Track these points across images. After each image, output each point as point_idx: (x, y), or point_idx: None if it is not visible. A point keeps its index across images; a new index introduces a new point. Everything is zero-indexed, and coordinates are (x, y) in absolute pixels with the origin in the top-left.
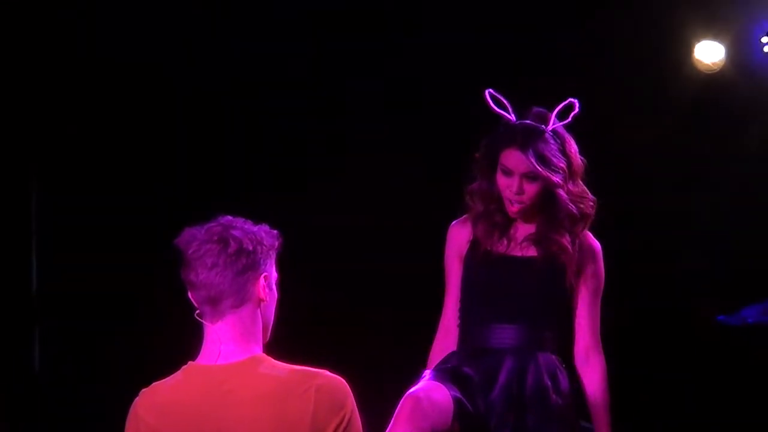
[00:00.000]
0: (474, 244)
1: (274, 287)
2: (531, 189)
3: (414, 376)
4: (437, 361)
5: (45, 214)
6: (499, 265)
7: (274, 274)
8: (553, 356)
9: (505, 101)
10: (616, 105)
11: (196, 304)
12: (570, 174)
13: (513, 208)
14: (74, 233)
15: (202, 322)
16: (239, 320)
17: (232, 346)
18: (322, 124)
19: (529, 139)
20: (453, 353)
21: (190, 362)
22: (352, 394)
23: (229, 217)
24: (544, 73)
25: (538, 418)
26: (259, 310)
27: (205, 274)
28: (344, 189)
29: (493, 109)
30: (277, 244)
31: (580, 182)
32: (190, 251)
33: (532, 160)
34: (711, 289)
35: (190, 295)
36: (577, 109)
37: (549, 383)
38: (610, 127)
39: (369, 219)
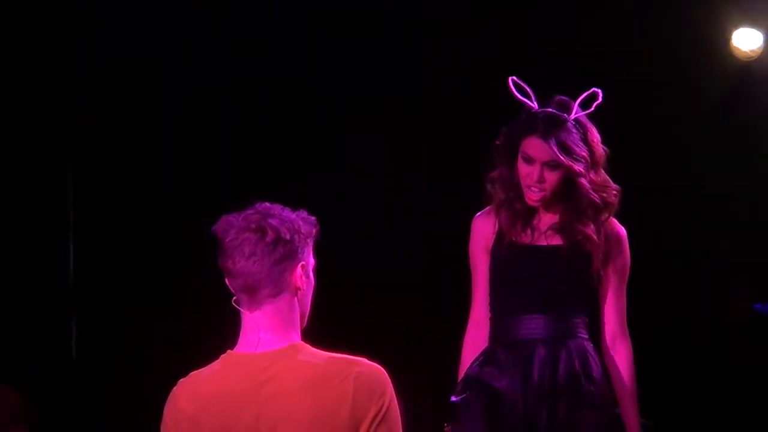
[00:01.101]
0: (499, 236)
1: (311, 275)
2: (552, 177)
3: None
4: (470, 356)
5: (81, 206)
6: (526, 256)
7: (312, 261)
8: (585, 342)
9: (528, 89)
10: (654, 93)
11: (233, 291)
12: (592, 163)
13: (533, 196)
14: (111, 224)
15: (239, 311)
16: (277, 309)
17: (271, 335)
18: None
19: (551, 127)
20: (486, 351)
21: (228, 351)
22: (391, 383)
23: (267, 204)
24: (579, 61)
25: (570, 406)
26: (296, 298)
27: (242, 262)
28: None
29: (516, 96)
30: (314, 231)
31: (602, 171)
32: (227, 239)
33: (554, 149)
34: (748, 277)
35: (227, 281)
36: (600, 99)
37: (580, 371)
38: (648, 114)
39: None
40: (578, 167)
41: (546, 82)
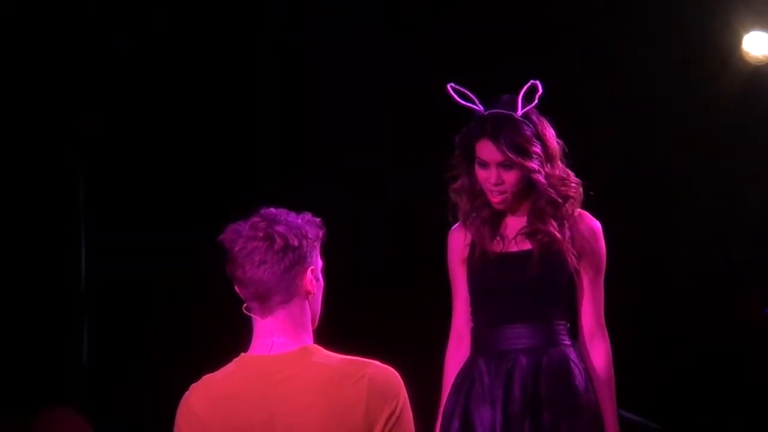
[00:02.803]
0: (472, 247)
1: (320, 277)
2: (509, 178)
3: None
4: (453, 370)
5: (93, 206)
6: (498, 265)
7: (320, 263)
8: (568, 350)
9: (469, 93)
10: (664, 97)
11: (244, 299)
12: (546, 158)
13: (495, 199)
14: (123, 224)
15: (250, 317)
16: (289, 315)
17: (284, 339)
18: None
19: (499, 127)
20: (468, 362)
21: (242, 353)
22: (403, 386)
23: (272, 210)
24: (589, 64)
25: (552, 416)
26: (307, 302)
27: (253, 271)
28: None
29: (459, 102)
30: (321, 233)
31: (560, 165)
32: (236, 248)
33: (504, 148)
34: (759, 281)
35: (237, 289)
36: (540, 90)
37: (562, 380)
38: (658, 118)
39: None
40: (532, 164)
41: (556, 85)
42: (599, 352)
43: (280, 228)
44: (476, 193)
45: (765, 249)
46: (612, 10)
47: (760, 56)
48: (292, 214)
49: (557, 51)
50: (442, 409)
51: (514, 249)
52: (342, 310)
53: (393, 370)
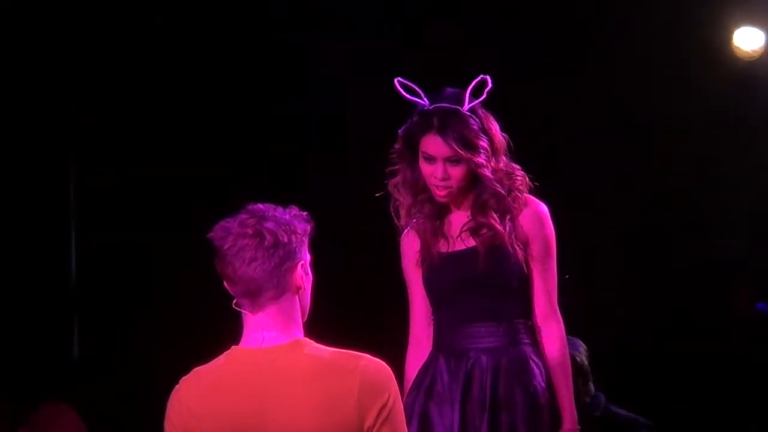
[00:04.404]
0: (422, 249)
1: (309, 271)
2: (456, 173)
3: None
4: (413, 375)
5: (83, 201)
6: (447, 264)
7: (308, 257)
8: (527, 348)
9: (416, 87)
10: (655, 92)
11: (234, 296)
12: (493, 152)
13: (440, 193)
14: (113, 220)
15: (241, 312)
16: (279, 310)
17: (275, 333)
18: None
19: (446, 122)
20: (428, 360)
21: (233, 346)
22: (394, 379)
23: (260, 206)
24: (578, 61)
25: (510, 418)
26: (297, 296)
27: (243, 268)
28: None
29: (405, 96)
30: (308, 228)
31: (504, 158)
32: (226, 246)
33: (453, 144)
34: (750, 276)
35: (227, 286)
36: (490, 85)
37: (521, 381)
38: (648, 114)
39: None
40: (479, 159)
41: (550, 82)
42: (552, 336)
43: (269, 225)
44: (419, 188)
45: (756, 244)
46: (604, 7)
47: (750, 52)
48: (279, 209)
49: (549, 47)
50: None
51: (460, 247)
52: (332, 304)
53: (384, 363)
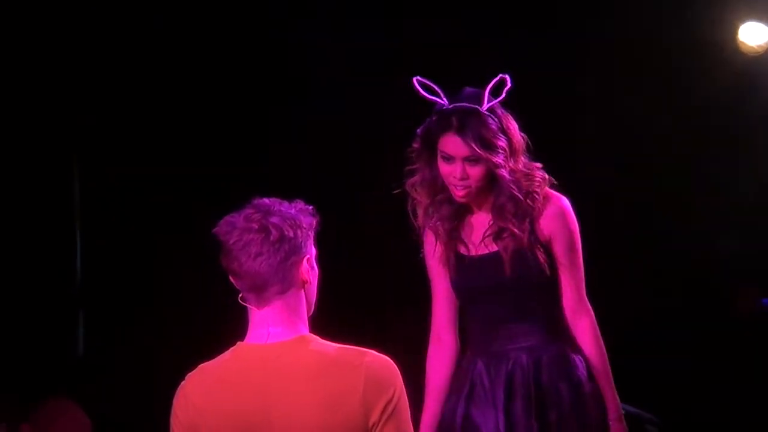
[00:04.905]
0: (442, 251)
1: (315, 265)
2: (474, 172)
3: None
4: (436, 375)
5: (88, 200)
6: (471, 268)
7: (314, 252)
8: (563, 342)
9: (435, 87)
10: (659, 88)
11: (240, 290)
12: (511, 152)
13: (459, 193)
14: (118, 219)
15: (246, 307)
16: (285, 304)
17: (281, 328)
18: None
19: (465, 121)
20: (465, 368)
21: (239, 342)
22: (400, 375)
23: (265, 200)
24: (583, 56)
25: (560, 413)
26: (303, 291)
27: (249, 263)
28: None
29: (424, 96)
30: (314, 222)
31: (523, 159)
32: (231, 241)
33: (471, 143)
34: (756, 272)
35: (233, 281)
36: (509, 84)
37: (563, 374)
38: (653, 109)
39: None
40: (497, 158)
41: (550, 80)
42: (585, 328)
43: (274, 219)
44: (437, 188)
45: (760, 241)
46: (606, 2)
47: (756, 47)
48: (285, 204)
49: (551, 42)
50: (429, 411)
51: (483, 251)
52: (337, 301)
53: (390, 359)
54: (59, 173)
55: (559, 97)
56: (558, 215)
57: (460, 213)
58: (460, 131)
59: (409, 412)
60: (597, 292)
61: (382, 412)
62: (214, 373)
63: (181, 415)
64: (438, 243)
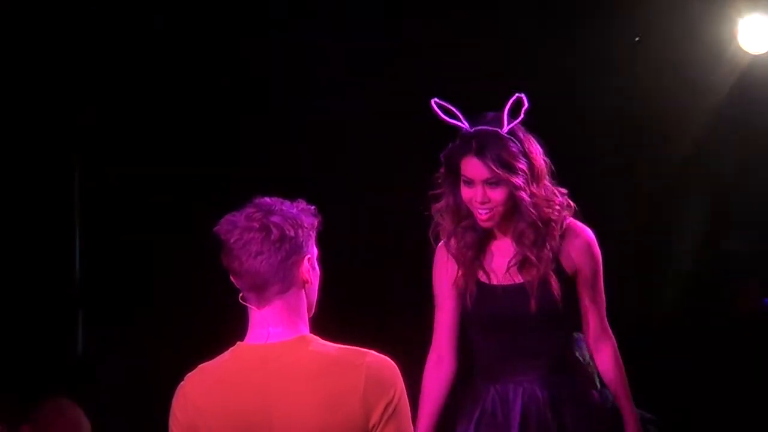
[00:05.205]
0: (462, 278)
1: (316, 266)
2: (496, 196)
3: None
4: (432, 396)
5: (88, 197)
6: (493, 298)
7: (315, 252)
8: (581, 373)
9: (454, 109)
10: (662, 86)
11: (240, 290)
12: (532, 176)
13: (482, 217)
14: (117, 218)
15: (246, 307)
16: (286, 304)
17: (281, 328)
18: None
19: (484, 143)
20: (476, 393)
21: (239, 342)
22: (401, 376)
23: (267, 199)
24: (587, 56)
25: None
26: (303, 291)
27: (249, 262)
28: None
29: (444, 119)
30: (316, 222)
31: (547, 184)
32: (232, 240)
33: (491, 165)
34: (758, 271)
35: (233, 280)
36: (526, 105)
37: (577, 409)
38: (655, 106)
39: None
40: (517, 180)
41: (551, 77)
42: (607, 355)
43: (275, 218)
44: (461, 215)
45: (762, 240)
46: (608, 2)
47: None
48: (287, 203)
49: (551, 43)
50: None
51: (506, 281)
52: (337, 301)
53: (390, 360)
54: (59, 173)
55: (556, 95)
56: (585, 247)
57: (483, 240)
58: (479, 153)
59: (409, 413)
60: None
61: (383, 413)
62: (214, 373)
63: (180, 416)
64: (458, 269)
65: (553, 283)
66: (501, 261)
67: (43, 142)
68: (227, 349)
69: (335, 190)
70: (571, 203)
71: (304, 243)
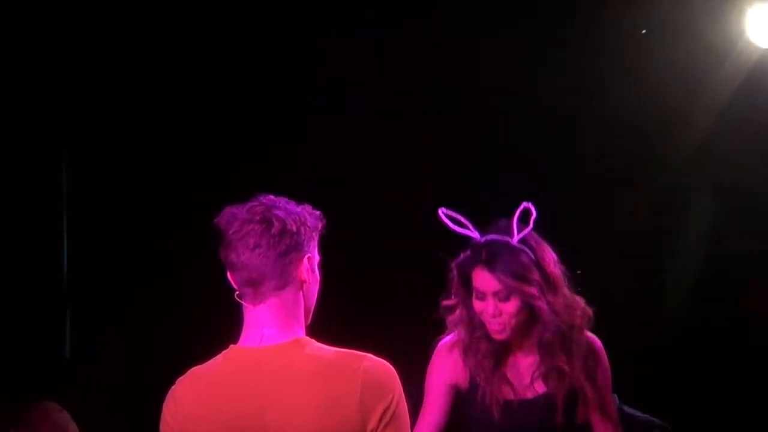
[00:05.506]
0: (473, 384)
1: (316, 270)
2: (508, 308)
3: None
4: None
5: (76, 195)
6: (517, 414)
7: (317, 257)
8: None
9: (462, 219)
10: (670, 79)
11: (236, 286)
12: (547, 285)
13: (495, 328)
14: (106, 215)
15: (241, 305)
16: (282, 303)
17: (275, 330)
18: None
19: (495, 254)
20: None
21: (231, 345)
22: (399, 380)
23: (271, 197)
24: (591, 51)
25: None
26: (301, 292)
27: (247, 254)
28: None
29: (454, 229)
30: (320, 225)
31: (564, 291)
32: (231, 231)
33: (501, 277)
34: (765, 272)
35: (229, 275)
36: (534, 214)
37: None
38: (664, 100)
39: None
40: (531, 290)
41: (552, 75)
42: None
43: (278, 212)
44: (475, 326)
45: None
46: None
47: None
48: (293, 203)
49: (559, 35)
50: None
51: (530, 395)
52: (336, 302)
53: (388, 364)
54: (47, 171)
55: (557, 91)
56: (595, 357)
57: (500, 351)
58: (489, 265)
59: (408, 419)
60: (603, 293)
61: (381, 419)
62: (206, 377)
63: (171, 421)
64: (463, 370)
65: (576, 391)
66: (524, 373)
67: (31, 141)
68: (219, 353)
69: (335, 190)
70: (589, 310)
71: (305, 242)
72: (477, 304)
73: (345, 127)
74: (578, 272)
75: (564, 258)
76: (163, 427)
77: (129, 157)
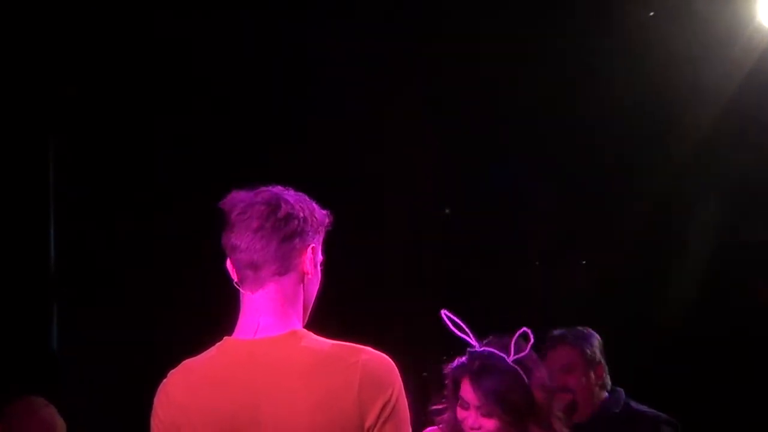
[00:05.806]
0: None
1: (319, 266)
2: (488, 425)
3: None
4: None
5: (63, 189)
6: None
7: (320, 255)
8: None
9: (463, 324)
10: (678, 74)
11: (235, 271)
12: (528, 412)
13: None
14: (93, 208)
15: (239, 294)
16: (280, 290)
17: (272, 319)
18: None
19: (485, 369)
20: None
21: (226, 337)
22: (398, 374)
23: (280, 187)
24: (595, 39)
25: None
26: (302, 284)
27: (249, 236)
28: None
29: (455, 332)
30: (327, 222)
31: (555, 420)
32: (235, 213)
33: (483, 394)
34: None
35: (230, 260)
36: (532, 340)
37: None
38: (673, 90)
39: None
40: (508, 417)
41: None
42: None
43: (288, 197)
44: (458, 431)
45: None
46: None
47: None
48: (302, 195)
49: (568, 20)
50: None
51: None
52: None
53: (388, 357)
54: (34, 160)
55: (560, 89)
56: None
57: None
58: (476, 378)
59: (408, 414)
60: (603, 293)
61: (380, 414)
62: (199, 369)
63: (162, 414)
64: None
65: None
66: None
67: (17, 128)
68: (213, 345)
69: (335, 190)
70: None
71: (311, 232)
72: (460, 412)
73: (345, 127)
74: (583, 262)
75: (567, 255)
76: (153, 419)
77: (120, 150)
